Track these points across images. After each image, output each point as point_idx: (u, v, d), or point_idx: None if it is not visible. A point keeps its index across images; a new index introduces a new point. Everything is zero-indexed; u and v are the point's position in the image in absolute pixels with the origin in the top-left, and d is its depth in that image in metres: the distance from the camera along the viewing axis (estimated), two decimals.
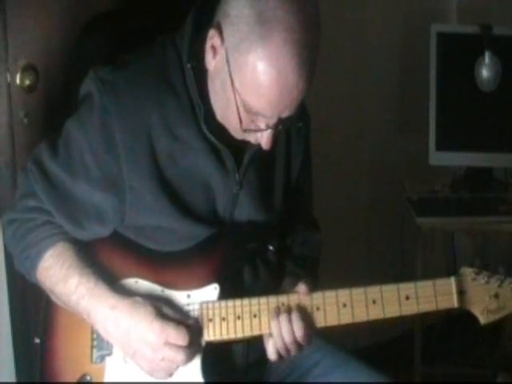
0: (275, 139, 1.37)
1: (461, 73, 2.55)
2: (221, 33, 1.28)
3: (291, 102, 1.30)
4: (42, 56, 1.70)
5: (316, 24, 1.28)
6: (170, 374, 1.37)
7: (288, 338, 1.38)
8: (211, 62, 1.33)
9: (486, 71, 2.52)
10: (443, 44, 2.54)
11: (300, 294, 1.41)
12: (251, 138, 1.38)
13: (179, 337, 1.34)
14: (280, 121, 1.33)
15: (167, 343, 1.33)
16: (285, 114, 1.32)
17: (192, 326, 1.38)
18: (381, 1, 2.69)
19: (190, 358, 1.36)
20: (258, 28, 1.23)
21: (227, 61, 1.29)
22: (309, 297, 1.40)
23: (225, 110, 1.36)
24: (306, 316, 1.39)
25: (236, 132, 1.39)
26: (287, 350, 1.40)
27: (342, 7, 2.50)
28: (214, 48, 1.31)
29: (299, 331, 1.37)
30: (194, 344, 1.37)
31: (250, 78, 1.27)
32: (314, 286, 1.44)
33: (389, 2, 2.71)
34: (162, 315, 1.35)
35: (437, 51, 2.54)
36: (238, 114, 1.32)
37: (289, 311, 1.39)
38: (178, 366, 1.36)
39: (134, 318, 1.34)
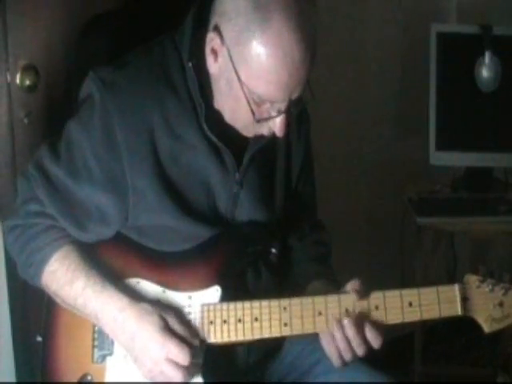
0: (288, 125, 1.37)
1: (461, 73, 2.55)
2: (219, 33, 1.29)
3: (300, 80, 1.30)
4: (42, 56, 1.70)
5: (311, 1, 1.30)
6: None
7: (360, 350, 1.36)
8: (213, 66, 1.34)
9: (486, 71, 2.52)
10: (443, 44, 2.54)
11: (355, 291, 1.39)
12: (264, 130, 1.38)
13: (180, 355, 1.32)
14: (291, 103, 1.33)
15: (168, 359, 1.32)
16: (295, 95, 1.32)
17: (196, 347, 1.36)
18: (381, 1, 2.69)
19: (189, 378, 1.35)
20: (256, 14, 1.24)
21: (230, 57, 1.29)
22: (311, 300, 1.39)
23: (234, 109, 1.36)
24: (365, 317, 1.38)
25: (247, 130, 1.39)
26: (353, 352, 1.38)
27: (341, 7, 2.50)
28: (214, 51, 1.32)
29: (369, 334, 1.36)
30: (196, 364, 1.36)
31: (257, 67, 1.27)
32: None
33: (389, 2, 2.71)
34: (167, 328, 1.34)
35: (437, 51, 2.54)
36: (250, 107, 1.32)
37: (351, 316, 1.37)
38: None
39: (140, 325, 1.34)
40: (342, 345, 1.37)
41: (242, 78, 1.30)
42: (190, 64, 1.37)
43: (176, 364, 1.33)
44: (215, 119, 1.39)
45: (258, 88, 1.30)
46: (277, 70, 1.27)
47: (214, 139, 1.40)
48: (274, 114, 1.35)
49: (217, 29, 1.29)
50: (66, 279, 1.38)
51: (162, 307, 1.37)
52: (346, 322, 1.36)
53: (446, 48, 2.54)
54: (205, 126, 1.39)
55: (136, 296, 1.38)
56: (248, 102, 1.32)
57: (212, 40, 1.31)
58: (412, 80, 2.73)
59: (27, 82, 1.67)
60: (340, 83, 2.56)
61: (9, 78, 1.66)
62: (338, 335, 1.37)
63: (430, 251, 2.64)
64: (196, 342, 1.37)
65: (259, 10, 1.24)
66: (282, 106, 1.33)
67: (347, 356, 1.38)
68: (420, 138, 2.62)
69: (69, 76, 1.68)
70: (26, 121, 1.69)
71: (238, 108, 1.35)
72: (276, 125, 1.36)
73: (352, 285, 1.40)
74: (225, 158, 1.43)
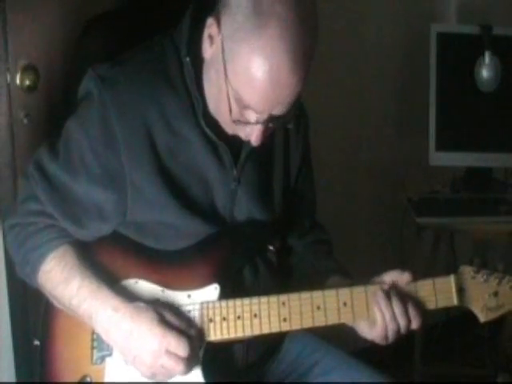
0: (265, 136, 1.36)
1: (461, 73, 2.55)
2: (218, 21, 1.28)
3: (283, 100, 1.28)
4: (42, 56, 1.69)
5: (313, 27, 1.27)
6: (170, 379, 1.36)
7: (402, 320, 1.39)
8: (208, 51, 1.33)
9: (486, 71, 2.52)
10: (443, 44, 2.54)
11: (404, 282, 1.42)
12: (241, 132, 1.37)
13: (180, 347, 1.32)
14: (271, 118, 1.32)
15: (167, 352, 1.32)
16: (276, 112, 1.31)
17: (194, 337, 1.36)
18: (381, 1, 2.69)
19: (189, 369, 1.35)
20: (253, 18, 1.23)
21: (222, 50, 1.28)
22: (309, 295, 1.39)
23: (217, 101, 1.35)
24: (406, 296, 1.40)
25: (227, 125, 1.38)
26: (398, 331, 1.41)
27: (341, 7, 2.50)
28: (211, 37, 1.31)
29: (412, 311, 1.39)
30: (195, 355, 1.35)
31: (243, 69, 1.26)
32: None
33: (389, 2, 2.71)
34: (164, 322, 1.34)
35: (437, 51, 2.54)
36: (229, 103, 1.31)
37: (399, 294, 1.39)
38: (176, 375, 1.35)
39: (136, 322, 1.33)
40: (388, 315, 1.38)
41: (229, 74, 1.28)
42: (188, 59, 1.38)
43: (176, 356, 1.32)
44: (212, 115, 1.39)
45: (240, 89, 1.28)
46: (260, 80, 1.25)
47: (211, 135, 1.40)
48: (251, 120, 1.33)
49: (217, 16, 1.29)
50: (62, 279, 1.38)
51: (155, 303, 1.38)
52: (393, 295, 1.38)
53: (446, 48, 2.54)
54: (202, 122, 1.39)
55: (131, 296, 1.38)
56: (228, 99, 1.31)
57: (210, 26, 1.30)
58: (412, 80, 2.73)
59: (27, 82, 1.67)
60: (340, 83, 2.56)
61: (9, 78, 1.66)
62: (383, 303, 1.38)
63: (429, 251, 2.64)
64: (193, 333, 1.36)
65: (258, 15, 1.23)
66: (261, 117, 1.32)
67: (393, 328, 1.40)
68: (420, 138, 2.62)
69: (69, 76, 1.68)
70: (25, 121, 1.69)
71: (220, 101, 1.34)
72: (252, 133, 1.35)
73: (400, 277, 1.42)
74: (222, 154, 1.43)
